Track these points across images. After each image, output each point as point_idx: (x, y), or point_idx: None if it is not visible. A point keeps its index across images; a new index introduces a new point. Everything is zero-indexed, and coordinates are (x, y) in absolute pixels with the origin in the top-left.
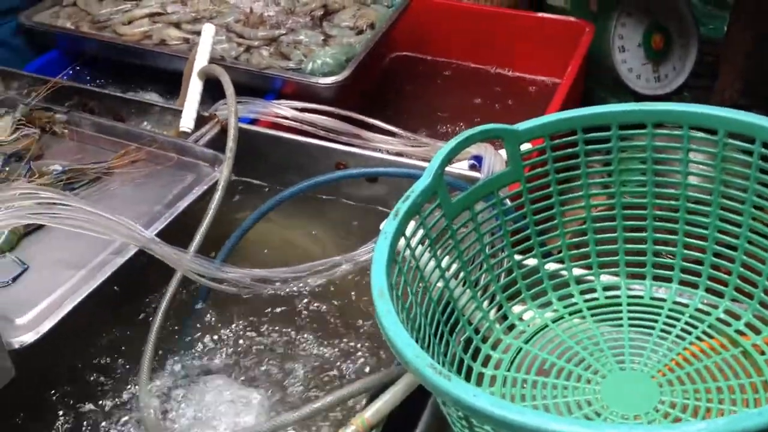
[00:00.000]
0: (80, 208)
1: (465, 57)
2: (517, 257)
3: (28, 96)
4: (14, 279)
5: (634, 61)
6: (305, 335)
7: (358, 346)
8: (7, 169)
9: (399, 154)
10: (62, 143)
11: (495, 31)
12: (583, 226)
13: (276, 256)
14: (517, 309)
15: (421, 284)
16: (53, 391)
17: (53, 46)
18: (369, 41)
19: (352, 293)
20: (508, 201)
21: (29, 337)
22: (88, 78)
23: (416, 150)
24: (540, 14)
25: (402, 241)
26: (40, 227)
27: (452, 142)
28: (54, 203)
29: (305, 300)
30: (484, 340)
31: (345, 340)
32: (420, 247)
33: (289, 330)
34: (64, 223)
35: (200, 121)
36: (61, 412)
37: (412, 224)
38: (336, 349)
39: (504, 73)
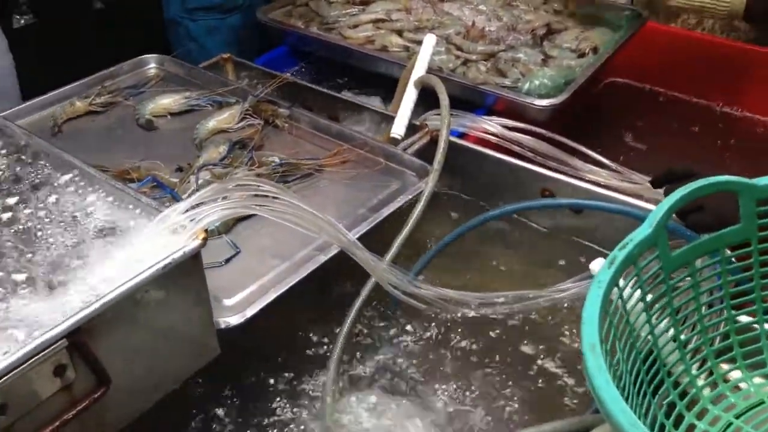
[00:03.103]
0: (294, 203)
1: (688, 90)
2: (739, 320)
3: (257, 88)
4: (227, 261)
5: None
6: (485, 360)
7: (546, 383)
8: (231, 155)
9: (607, 186)
10: (281, 136)
11: (728, 65)
12: None
13: (462, 273)
14: (729, 378)
15: (629, 339)
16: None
17: (282, 42)
18: (590, 66)
19: (550, 322)
20: (733, 259)
21: (235, 320)
22: (312, 75)
23: (625, 185)
24: None
25: (614, 291)
26: (253, 215)
27: (679, 193)
28: (271, 197)
29: (494, 327)
30: (689, 407)
31: (533, 375)
32: (632, 299)
33: (471, 356)
34: (279, 216)
35: (410, 130)
36: (241, 397)
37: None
38: (523, 384)
39: (730, 111)
